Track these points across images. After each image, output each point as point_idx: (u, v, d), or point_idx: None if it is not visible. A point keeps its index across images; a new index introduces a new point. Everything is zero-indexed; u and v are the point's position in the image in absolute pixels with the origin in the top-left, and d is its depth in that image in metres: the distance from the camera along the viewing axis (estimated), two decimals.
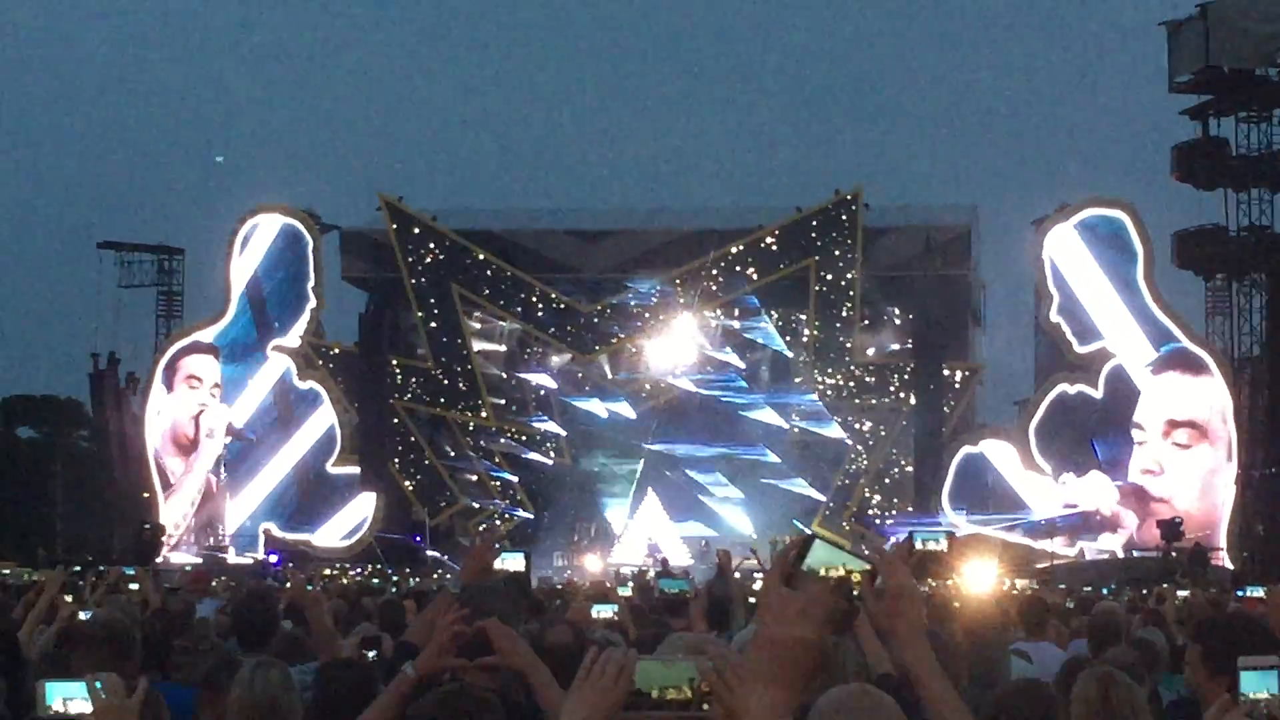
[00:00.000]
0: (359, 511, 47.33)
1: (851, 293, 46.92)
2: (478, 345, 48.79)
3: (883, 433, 47.08)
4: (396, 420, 48.17)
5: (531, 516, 48.55)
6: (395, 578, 34.15)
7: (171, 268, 53.30)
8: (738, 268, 47.46)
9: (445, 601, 6.97)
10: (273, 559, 43.05)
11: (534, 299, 48.39)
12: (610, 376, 49.28)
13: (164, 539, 44.63)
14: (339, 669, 6.93)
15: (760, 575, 31.37)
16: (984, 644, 7.70)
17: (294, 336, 48.65)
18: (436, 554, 45.22)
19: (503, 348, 49.38)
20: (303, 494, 48.21)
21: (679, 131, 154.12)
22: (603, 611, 9.71)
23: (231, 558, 45.47)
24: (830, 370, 47.18)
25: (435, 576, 34.99)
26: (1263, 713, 3.87)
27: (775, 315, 47.87)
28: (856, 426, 47.23)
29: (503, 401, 49.16)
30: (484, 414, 48.56)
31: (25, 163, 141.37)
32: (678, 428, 48.55)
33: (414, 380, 48.54)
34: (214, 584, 23.74)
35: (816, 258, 46.81)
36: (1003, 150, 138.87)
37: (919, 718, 3.94)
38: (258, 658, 6.97)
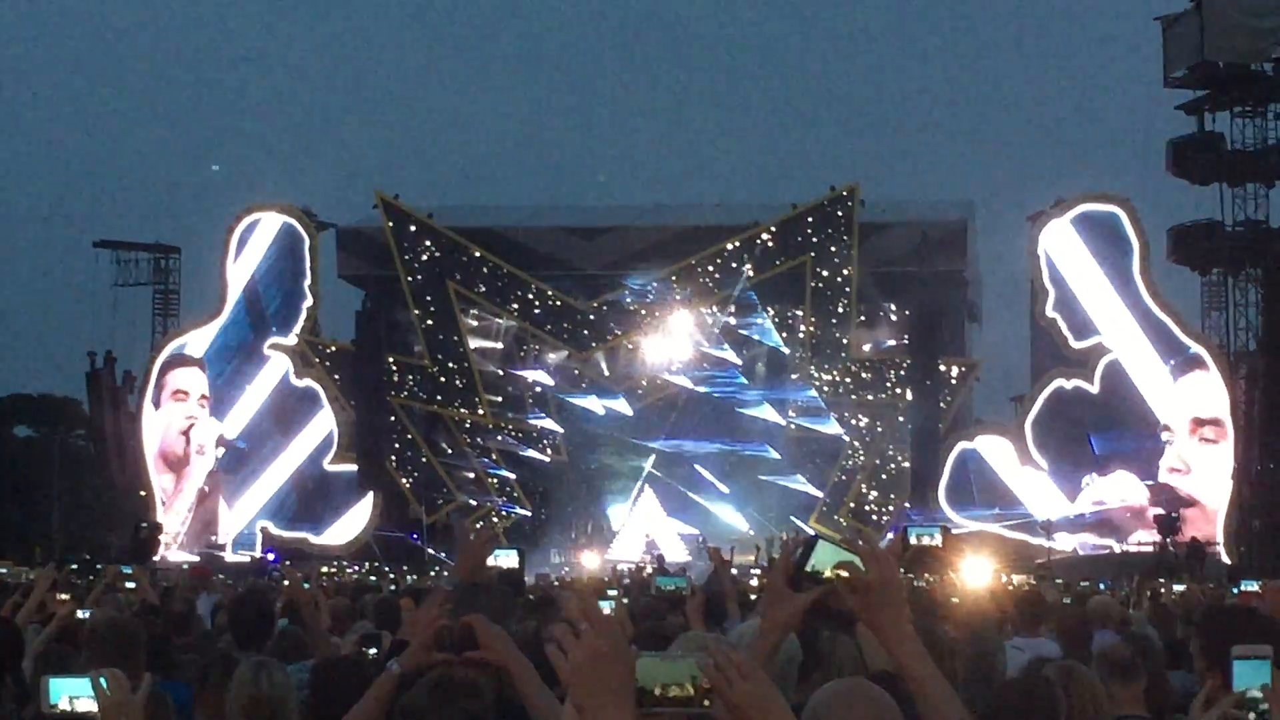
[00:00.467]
0: (358, 510, 47.40)
1: (848, 289, 46.90)
2: (474, 343, 48.75)
3: (879, 429, 47.07)
4: (393, 418, 48.13)
5: (529, 514, 48.53)
6: (393, 575, 34.15)
7: (168, 266, 53.33)
8: (734, 264, 47.44)
9: (437, 598, 6.98)
10: (270, 557, 43.03)
11: (530, 296, 48.36)
12: (607, 373, 49.24)
13: (161, 537, 44.63)
14: (334, 667, 6.93)
15: (756, 571, 31.44)
16: (980, 640, 7.70)
17: (291, 335, 48.67)
18: (434, 551, 45.21)
19: (499, 345, 49.33)
20: (305, 496, 48.21)
21: (675, 128, 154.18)
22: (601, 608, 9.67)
23: (229, 556, 45.46)
24: (827, 366, 47.17)
25: (433, 574, 34.95)
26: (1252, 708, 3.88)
27: (772, 312, 47.84)
28: (853, 422, 47.22)
29: (500, 399, 49.13)
30: (481, 411, 48.53)
31: (22, 162, 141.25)
32: (675, 424, 48.52)
33: (411, 378, 48.53)
34: (213, 579, 23.71)
35: (813, 254, 46.79)
36: (998, 146, 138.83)
37: (916, 712, 3.93)
38: (255, 657, 6.97)
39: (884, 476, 46.92)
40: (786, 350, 48.11)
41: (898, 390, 46.63)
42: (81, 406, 56.72)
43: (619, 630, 3.09)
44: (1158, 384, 43.60)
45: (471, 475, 48.70)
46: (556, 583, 25.94)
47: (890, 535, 37.23)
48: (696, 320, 48.13)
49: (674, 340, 48.14)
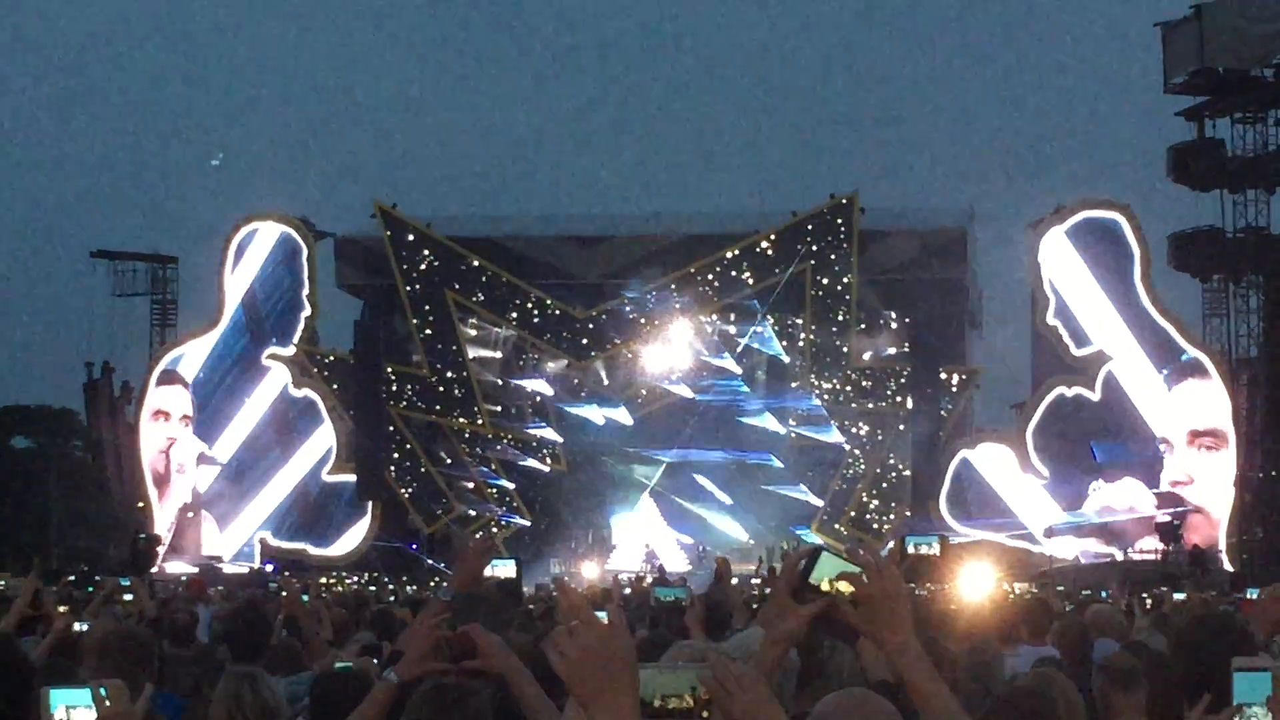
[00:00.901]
0: (357, 520, 47.40)
1: (848, 297, 46.90)
2: (473, 352, 48.72)
3: (880, 437, 47.04)
4: (392, 428, 48.11)
5: (529, 523, 48.50)
6: (392, 586, 34.12)
7: (165, 276, 53.32)
8: (734, 273, 47.44)
9: (435, 609, 6.92)
10: (269, 569, 42.99)
11: (529, 305, 48.35)
12: (607, 383, 49.22)
13: (158, 549, 44.64)
14: (333, 679, 6.88)
15: (757, 581, 31.39)
16: (979, 650, 7.65)
17: (289, 345, 48.65)
18: (433, 562, 45.17)
19: (498, 354, 49.31)
20: (307, 510, 48.16)
21: (675, 137, 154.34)
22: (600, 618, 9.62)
23: (227, 568, 45.43)
24: (827, 374, 47.16)
25: (432, 585, 34.92)
26: None
27: (772, 320, 47.83)
28: (854, 431, 47.20)
29: (499, 408, 49.10)
30: (480, 421, 48.50)
31: (19, 173, 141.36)
32: (676, 434, 48.51)
33: (410, 387, 48.50)
34: (209, 591, 23.66)
35: (813, 262, 46.79)
36: (998, 153, 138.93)
37: None
38: (242, 669, 6.89)
39: (885, 485, 46.89)
40: (787, 359, 48.10)
41: (898, 398, 46.62)
42: (79, 417, 56.76)
43: (609, 626, 3.05)
44: (1154, 394, 43.56)
45: (471, 485, 48.67)
46: (555, 593, 25.88)
47: (891, 545, 37.19)
48: (696, 329, 48.14)
49: (674, 349, 48.14)
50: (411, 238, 48.21)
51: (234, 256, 49.16)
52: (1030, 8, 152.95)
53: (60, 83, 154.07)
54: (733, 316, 48.11)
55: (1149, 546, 41.93)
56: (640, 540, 48.22)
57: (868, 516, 46.74)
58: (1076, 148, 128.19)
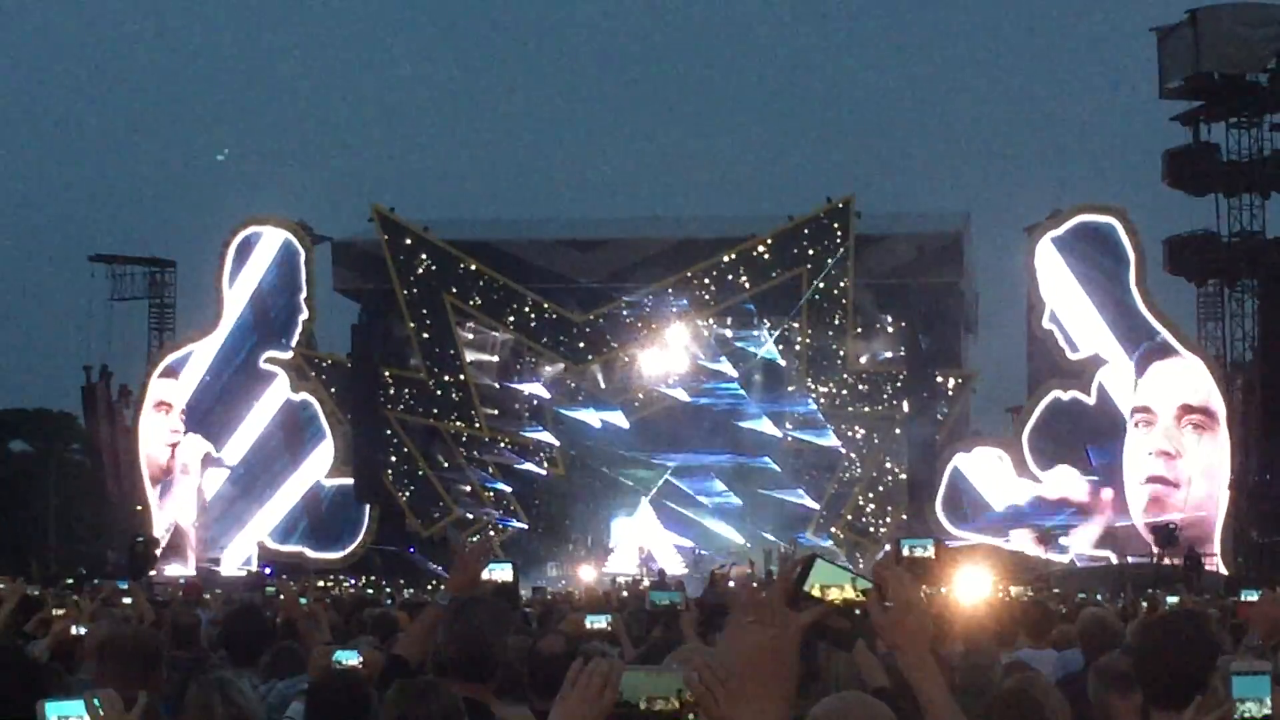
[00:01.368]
0: (356, 524, 47.42)
1: (844, 301, 46.89)
2: (470, 356, 48.70)
3: (876, 440, 47.02)
4: (390, 431, 48.09)
5: (526, 527, 48.48)
6: (389, 589, 34.11)
7: (163, 280, 53.28)
8: (730, 276, 47.42)
9: (434, 612, 6.98)
10: (267, 572, 42.98)
11: (527, 309, 48.32)
12: (604, 386, 49.19)
13: (157, 552, 44.60)
14: (331, 682, 6.89)
15: (754, 585, 31.40)
16: (975, 653, 7.68)
17: (287, 348, 48.63)
18: (431, 565, 45.16)
19: (496, 358, 49.29)
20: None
21: (671, 141, 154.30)
22: (596, 622, 9.68)
23: (225, 571, 45.41)
24: (823, 378, 47.13)
25: (430, 588, 34.92)
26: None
27: (768, 324, 47.82)
28: (850, 434, 47.18)
29: (496, 412, 49.07)
30: (477, 424, 48.47)
31: (16, 176, 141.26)
32: (672, 437, 48.47)
33: (407, 391, 48.47)
34: (206, 596, 23.68)
35: (809, 266, 46.78)
36: (994, 157, 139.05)
37: None
38: (216, 674, 6.86)
39: (881, 488, 46.87)
40: (783, 362, 48.07)
41: (895, 402, 46.61)
42: (77, 421, 56.71)
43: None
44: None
45: (468, 488, 48.64)
46: (551, 596, 25.92)
47: (887, 548, 37.21)
48: (693, 333, 48.11)
49: (670, 353, 48.11)
50: (409, 241, 48.19)
51: (232, 260, 49.14)
52: (1026, 13, 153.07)
53: (57, 87, 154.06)
54: (729, 320, 48.10)
55: (1145, 550, 41.98)
56: (636, 543, 48.21)
57: (864, 520, 46.73)
58: (1072, 152, 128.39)
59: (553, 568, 46.35)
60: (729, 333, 48.22)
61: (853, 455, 47.15)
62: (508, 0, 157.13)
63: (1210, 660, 5.67)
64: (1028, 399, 45.75)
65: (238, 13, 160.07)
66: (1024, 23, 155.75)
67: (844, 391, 47.03)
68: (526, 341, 48.70)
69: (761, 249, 47.35)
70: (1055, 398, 44.35)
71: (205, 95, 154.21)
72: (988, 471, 44.51)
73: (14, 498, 56.95)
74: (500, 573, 7.72)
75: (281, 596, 13.60)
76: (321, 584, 35.75)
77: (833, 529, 46.41)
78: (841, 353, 47.02)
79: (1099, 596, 27.52)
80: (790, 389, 47.77)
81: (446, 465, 48.64)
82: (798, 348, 47.45)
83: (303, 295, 48.79)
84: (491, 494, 48.62)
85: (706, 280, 47.50)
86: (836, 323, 46.94)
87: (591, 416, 48.90)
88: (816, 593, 3.46)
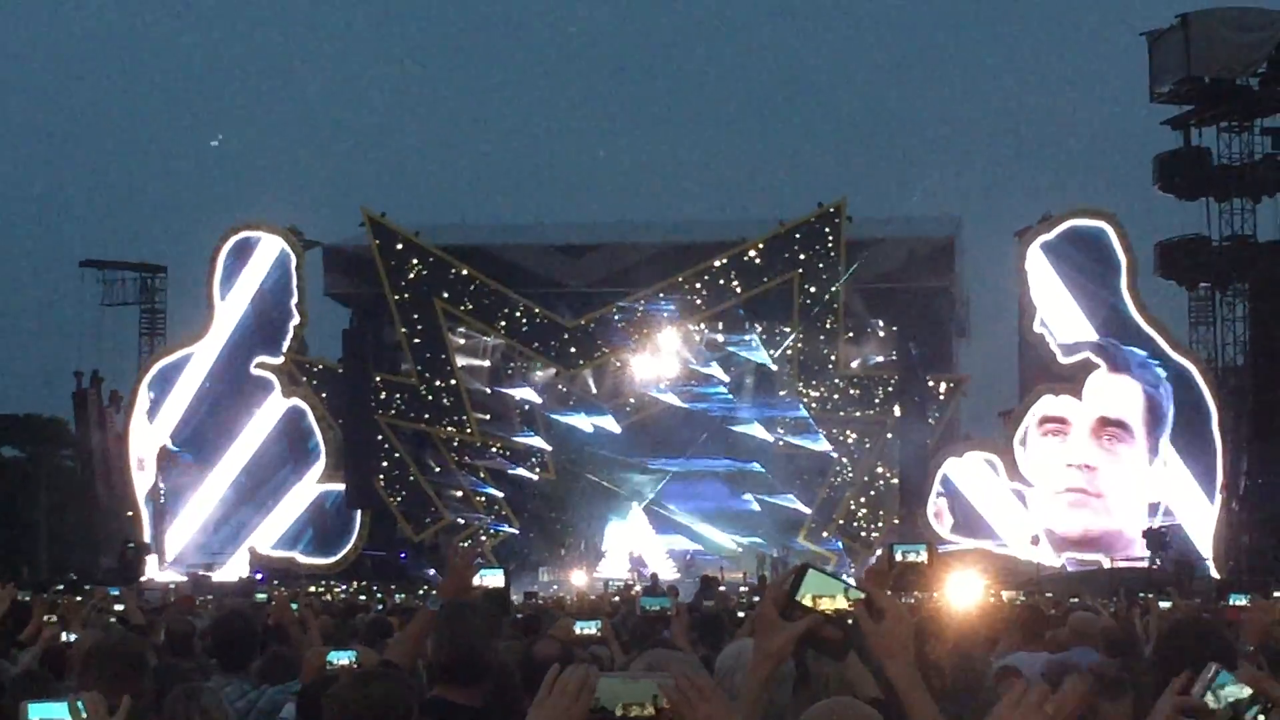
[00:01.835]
0: (347, 529, 47.39)
1: (835, 305, 46.92)
2: (461, 361, 48.70)
3: (867, 445, 47.07)
4: (381, 436, 48.06)
5: (517, 531, 48.47)
6: (380, 594, 34.06)
7: (154, 286, 53.24)
8: (721, 281, 47.45)
9: (425, 617, 6.97)
10: (258, 577, 42.92)
11: (518, 314, 48.32)
12: (595, 391, 49.21)
13: (147, 558, 44.53)
14: (321, 688, 6.88)
15: (745, 590, 31.39)
16: (967, 656, 7.67)
17: (278, 354, 48.56)
18: (423, 570, 45.13)
19: (487, 363, 49.30)
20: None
21: (662, 146, 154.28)
22: (586, 628, 9.67)
23: (216, 576, 45.33)
24: (815, 383, 47.17)
25: (421, 593, 34.87)
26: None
27: (760, 328, 47.85)
28: (841, 439, 47.22)
29: (487, 417, 49.07)
30: (469, 429, 48.45)
31: (6, 181, 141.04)
32: (663, 442, 48.49)
33: (398, 396, 48.45)
34: (197, 602, 23.62)
35: (800, 270, 46.82)
36: (985, 162, 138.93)
37: None
38: (187, 685, 6.82)
39: (873, 493, 46.92)
40: (775, 367, 48.10)
41: (886, 406, 46.66)
42: (68, 427, 56.54)
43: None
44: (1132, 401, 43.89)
45: (460, 493, 48.63)
46: (542, 601, 25.88)
47: (879, 552, 37.23)
48: (684, 337, 48.14)
49: (662, 357, 48.14)
50: (400, 246, 48.18)
51: (222, 266, 49.06)
52: (1016, 17, 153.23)
53: (48, 92, 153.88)
54: (721, 325, 48.13)
55: (1137, 554, 42.05)
56: (627, 548, 48.21)
57: (856, 524, 46.77)
58: (1063, 157, 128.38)
59: (544, 572, 46.33)
60: (720, 337, 48.25)
61: (844, 460, 47.18)
62: (497, 6, 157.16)
63: (1232, 668, 5.72)
64: (1019, 403, 45.78)
65: (229, 19, 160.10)
66: (1014, 27, 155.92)
67: (835, 396, 47.06)
68: (517, 346, 48.71)
69: (753, 253, 47.37)
70: (1046, 402, 44.40)
71: (196, 101, 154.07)
72: (992, 478, 44.59)
73: (4, 503, 56.78)
74: (491, 578, 7.72)
75: (273, 603, 13.57)
76: (313, 589, 35.68)
77: (825, 533, 46.41)
78: (833, 357, 47.06)
79: (1090, 600, 27.47)
80: (781, 393, 47.79)
81: (438, 470, 48.63)
82: (789, 352, 47.49)
83: (294, 300, 48.76)
84: (483, 499, 48.61)
85: (698, 285, 47.53)
86: (828, 327, 47.00)
87: (583, 421, 48.91)
88: (809, 603, 3.45)
